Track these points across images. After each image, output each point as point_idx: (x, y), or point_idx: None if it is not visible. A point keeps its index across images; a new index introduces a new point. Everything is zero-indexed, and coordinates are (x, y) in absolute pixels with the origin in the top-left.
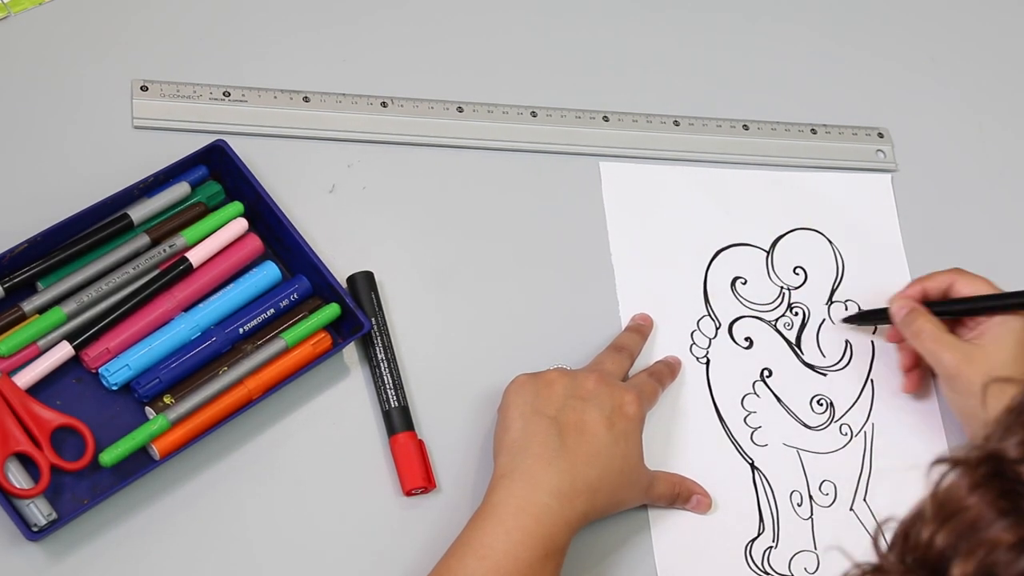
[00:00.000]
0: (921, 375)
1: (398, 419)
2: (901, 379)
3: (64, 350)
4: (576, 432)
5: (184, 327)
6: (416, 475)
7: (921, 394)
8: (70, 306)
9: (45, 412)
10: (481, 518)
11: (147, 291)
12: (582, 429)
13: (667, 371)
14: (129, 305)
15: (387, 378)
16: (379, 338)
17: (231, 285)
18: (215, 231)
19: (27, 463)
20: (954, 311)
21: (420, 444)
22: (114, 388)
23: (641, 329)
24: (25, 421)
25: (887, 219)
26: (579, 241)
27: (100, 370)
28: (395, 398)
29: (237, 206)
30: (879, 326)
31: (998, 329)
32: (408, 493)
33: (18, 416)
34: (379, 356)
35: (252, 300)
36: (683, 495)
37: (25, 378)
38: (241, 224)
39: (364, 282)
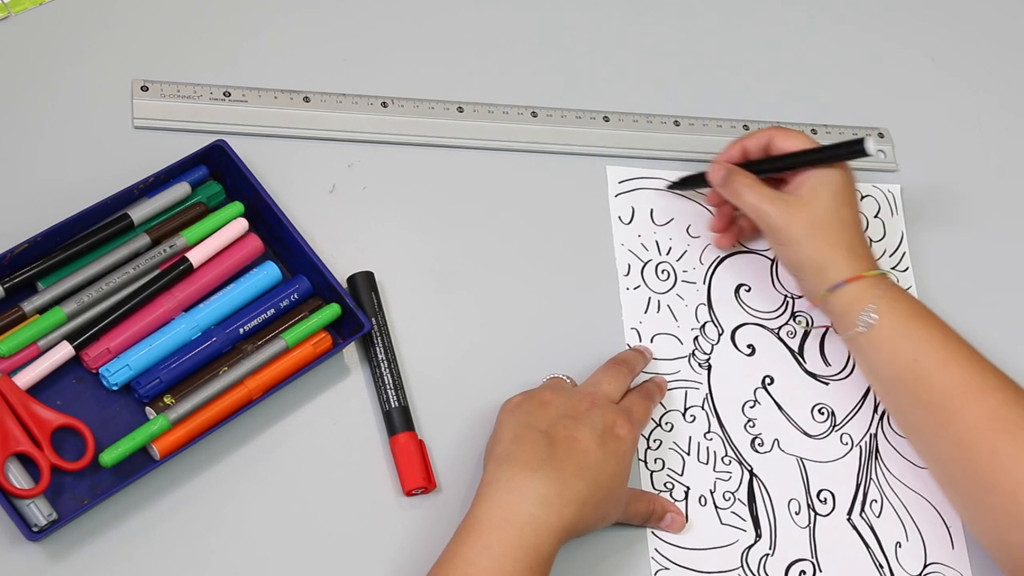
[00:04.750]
0: (733, 235)
1: (398, 419)
2: (713, 238)
3: (64, 350)
4: (566, 445)
5: (184, 327)
6: (416, 475)
7: None
8: (70, 306)
9: (45, 412)
10: (465, 531)
11: (147, 291)
12: (572, 444)
13: (656, 389)
14: (129, 305)
15: (387, 378)
16: (379, 338)
17: (231, 285)
18: (215, 231)
19: (27, 463)
20: (772, 168)
21: (420, 444)
22: (114, 388)
23: (643, 352)
24: (25, 421)
25: (894, 229)
26: (580, 241)
27: (100, 370)
28: (395, 398)
29: (237, 206)
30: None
31: (814, 180)
32: (408, 493)
33: (18, 416)
34: (379, 356)
35: (252, 300)
36: (657, 513)
37: (25, 378)
38: (241, 224)
39: (364, 282)
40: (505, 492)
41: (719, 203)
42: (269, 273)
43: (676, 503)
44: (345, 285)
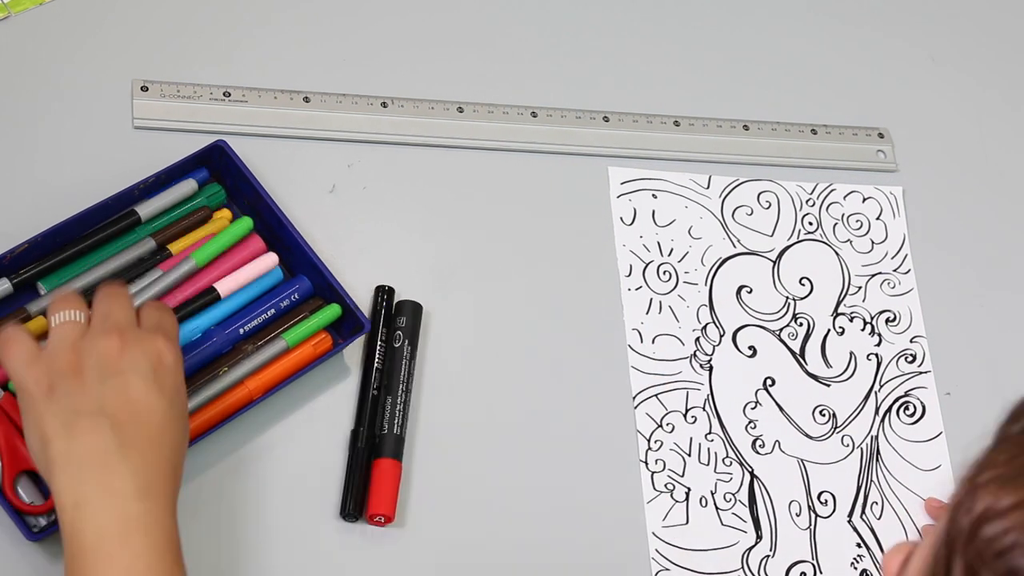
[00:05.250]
0: None
1: (391, 445)
2: None
3: None
4: (130, 418)
5: (186, 328)
6: (385, 503)
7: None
8: None
9: None
10: (80, 563)
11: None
12: (135, 410)
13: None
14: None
15: (399, 406)
16: (406, 363)
17: (256, 301)
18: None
19: (35, 478)
20: None
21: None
22: None
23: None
24: None
25: (896, 232)
26: (581, 242)
27: None
28: (398, 425)
29: (247, 222)
30: None
31: None
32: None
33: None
34: (402, 379)
35: (253, 300)
36: None
37: None
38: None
39: (411, 311)
40: (101, 509)
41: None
42: (271, 274)
43: (676, 504)
44: (345, 285)
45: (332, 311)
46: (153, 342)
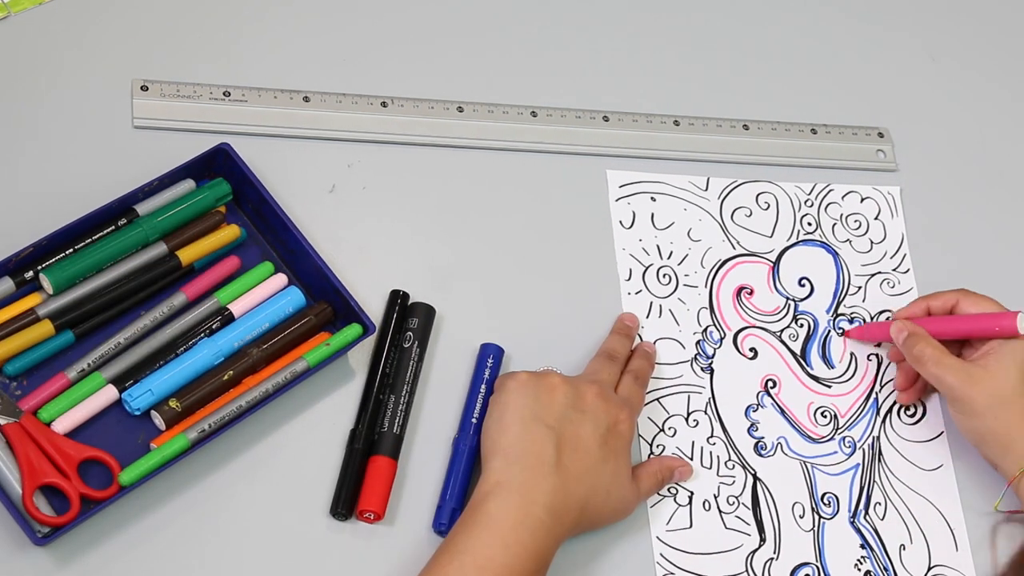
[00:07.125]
0: (917, 392)
1: (390, 444)
2: (897, 394)
3: (109, 394)
4: (571, 447)
5: (207, 352)
6: (376, 500)
7: (924, 409)
8: (109, 371)
9: (70, 446)
10: (478, 527)
11: (188, 342)
12: (577, 445)
13: (647, 366)
14: (172, 357)
15: (402, 404)
16: (413, 363)
17: (256, 309)
18: (252, 288)
19: (50, 493)
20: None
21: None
22: (136, 413)
23: (629, 332)
24: (51, 454)
25: (895, 232)
26: (580, 242)
27: (123, 396)
28: (399, 424)
29: (268, 267)
30: (882, 342)
31: (1002, 351)
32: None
33: (44, 450)
34: (408, 380)
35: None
36: (667, 477)
37: (66, 422)
38: (280, 280)
39: (424, 313)
40: (516, 496)
41: (900, 359)
42: (293, 299)
43: (680, 508)
44: (346, 285)
45: (353, 331)
46: (620, 410)
